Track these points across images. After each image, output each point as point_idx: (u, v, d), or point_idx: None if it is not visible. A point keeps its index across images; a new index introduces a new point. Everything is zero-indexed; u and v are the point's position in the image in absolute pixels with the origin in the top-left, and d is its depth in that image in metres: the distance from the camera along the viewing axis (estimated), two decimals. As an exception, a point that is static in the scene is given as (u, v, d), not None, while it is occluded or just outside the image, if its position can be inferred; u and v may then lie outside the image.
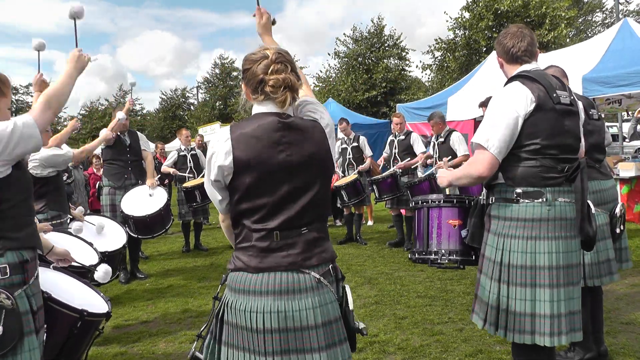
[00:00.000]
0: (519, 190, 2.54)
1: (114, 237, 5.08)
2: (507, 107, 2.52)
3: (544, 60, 2.75)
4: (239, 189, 1.90)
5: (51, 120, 2.42)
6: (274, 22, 2.45)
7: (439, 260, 3.32)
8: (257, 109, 1.96)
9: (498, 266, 2.58)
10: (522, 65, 2.69)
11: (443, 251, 3.33)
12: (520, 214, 2.54)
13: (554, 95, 2.53)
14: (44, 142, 4.70)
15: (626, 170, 8.45)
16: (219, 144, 1.91)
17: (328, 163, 1.97)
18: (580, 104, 3.43)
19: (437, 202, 3.45)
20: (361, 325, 2.07)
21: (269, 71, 1.90)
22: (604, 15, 32.84)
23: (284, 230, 1.89)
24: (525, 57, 2.68)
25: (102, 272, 3.40)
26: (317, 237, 1.96)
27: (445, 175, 2.88)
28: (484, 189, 2.77)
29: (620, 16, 22.17)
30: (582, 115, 3.40)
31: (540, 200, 2.51)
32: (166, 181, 8.88)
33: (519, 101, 2.51)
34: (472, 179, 2.64)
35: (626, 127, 14.00)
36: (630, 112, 10.02)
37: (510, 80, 2.65)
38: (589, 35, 30.00)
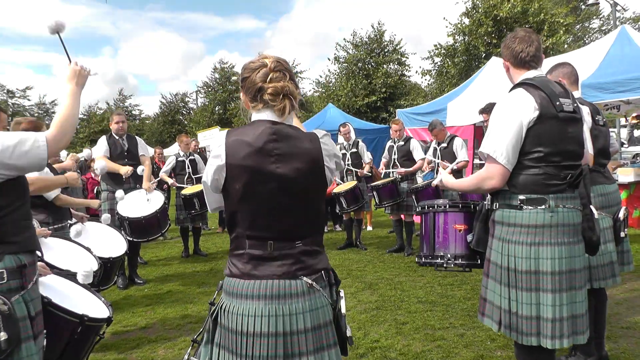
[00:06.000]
0: (522, 197, 2.56)
1: (114, 243, 5.04)
2: (511, 115, 2.54)
3: (542, 66, 2.78)
4: (231, 194, 1.91)
5: (65, 146, 2.41)
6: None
7: (445, 265, 3.33)
8: (255, 116, 1.97)
9: (505, 271, 2.60)
10: (528, 70, 2.71)
11: (449, 255, 3.34)
12: (523, 220, 2.56)
13: (557, 103, 2.54)
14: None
15: (625, 175, 8.47)
16: (215, 149, 1.92)
17: (320, 180, 1.96)
18: (587, 109, 3.45)
19: (443, 207, 3.46)
20: (348, 333, 2.06)
21: (268, 79, 1.92)
22: (601, 22, 33.04)
23: (278, 241, 1.90)
24: (532, 62, 2.71)
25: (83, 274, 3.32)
26: (311, 251, 1.97)
27: (450, 183, 2.91)
28: (488, 194, 2.77)
29: (618, 23, 22.27)
30: (589, 120, 3.42)
31: (543, 206, 2.53)
32: (165, 186, 8.86)
33: (523, 109, 2.52)
34: (484, 191, 2.70)
35: (623, 133, 14.06)
36: (627, 118, 10.06)
37: (514, 87, 2.66)
38: (586, 41, 30.16)
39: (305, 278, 1.91)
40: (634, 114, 8.13)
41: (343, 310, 2.04)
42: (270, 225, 1.89)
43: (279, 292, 1.88)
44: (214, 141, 1.98)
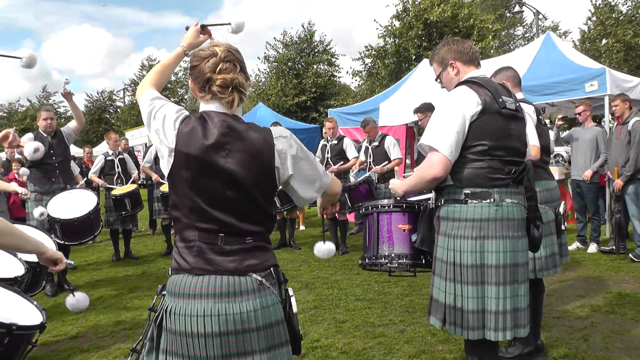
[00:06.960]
0: (467, 191, 2.59)
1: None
2: (454, 109, 2.57)
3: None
4: (179, 181, 1.84)
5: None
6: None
7: (389, 265, 3.32)
8: (204, 107, 1.91)
9: (451, 266, 2.62)
10: (477, 68, 2.79)
11: (393, 255, 3.32)
12: (468, 214, 2.58)
13: (500, 100, 2.60)
14: None
15: (551, 174, 8.89)
16: (169, 126, 1.86)
17: (268, 179, 1.90)
18: (532, 108, 3.61)
19: (387, 207, 3.44)
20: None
21: (217, 70, 1.85)
22: (525, 29, 34.73)
23: (228, 235, 1.84)
24: (478, 59, 2.82)
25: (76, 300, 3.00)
26: (261, 247, 1.92)
27: (399, 186, 2.92)
28: (433, 191, 2.80)
29: (540, 32, 23.38)
30: (534, 117, 3.56)
31: (488, 200, 2.57)
32: (94, 184, 8.49)
33: (466, 103, 2.57)
34: (427, 181, 2.65)
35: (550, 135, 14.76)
36: (551, 120, 10.62)
37: (458, 85, 2.71)
38: (511, 47, 31.55)
39: (254, 275, 1.86)
40: (560, 116, 8.59)
41: (294, 309, 2.00)
42: (217, 218, 1.83)
43: (229, 290, 1.81)
44: (170, 109, 1.92)
